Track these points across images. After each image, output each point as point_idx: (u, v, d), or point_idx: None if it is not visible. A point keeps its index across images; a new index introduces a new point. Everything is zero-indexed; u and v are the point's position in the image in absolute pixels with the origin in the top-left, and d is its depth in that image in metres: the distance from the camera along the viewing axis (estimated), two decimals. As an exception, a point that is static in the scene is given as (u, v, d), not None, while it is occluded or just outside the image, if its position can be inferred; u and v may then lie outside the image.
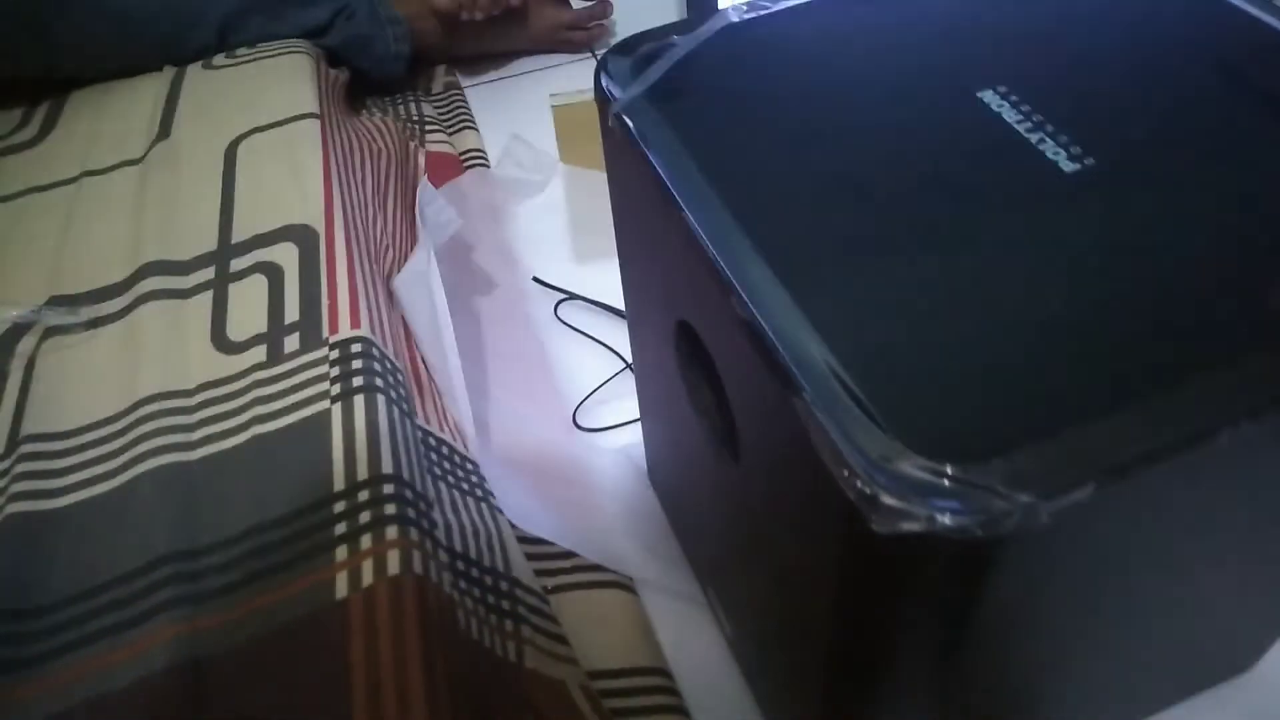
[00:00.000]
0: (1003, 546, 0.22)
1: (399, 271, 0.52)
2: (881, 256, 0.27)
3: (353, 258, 0.47)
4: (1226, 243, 0.26)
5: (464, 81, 0.90)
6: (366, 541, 0.34)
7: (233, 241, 0.48)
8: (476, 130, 0.82)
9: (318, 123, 0.57)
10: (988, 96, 0.31)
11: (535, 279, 0.66)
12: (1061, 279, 0.25)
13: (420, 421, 0.46)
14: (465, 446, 0.49)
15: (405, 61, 0.83)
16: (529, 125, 0.79)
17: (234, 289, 0.46)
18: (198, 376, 0.42)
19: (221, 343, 0.43)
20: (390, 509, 0.35)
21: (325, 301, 0.44)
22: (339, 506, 0.36)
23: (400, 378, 0.44)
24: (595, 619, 0.48)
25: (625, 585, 0.49)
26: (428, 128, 0.82)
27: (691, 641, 0.48)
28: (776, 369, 0.25)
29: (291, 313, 0.44)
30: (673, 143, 0.31)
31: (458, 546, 0.41)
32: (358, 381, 0.40)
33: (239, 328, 0.44)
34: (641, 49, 0.35)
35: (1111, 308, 0.24)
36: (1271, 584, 0.36)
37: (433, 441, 0.45)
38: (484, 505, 0.46)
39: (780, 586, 0.34)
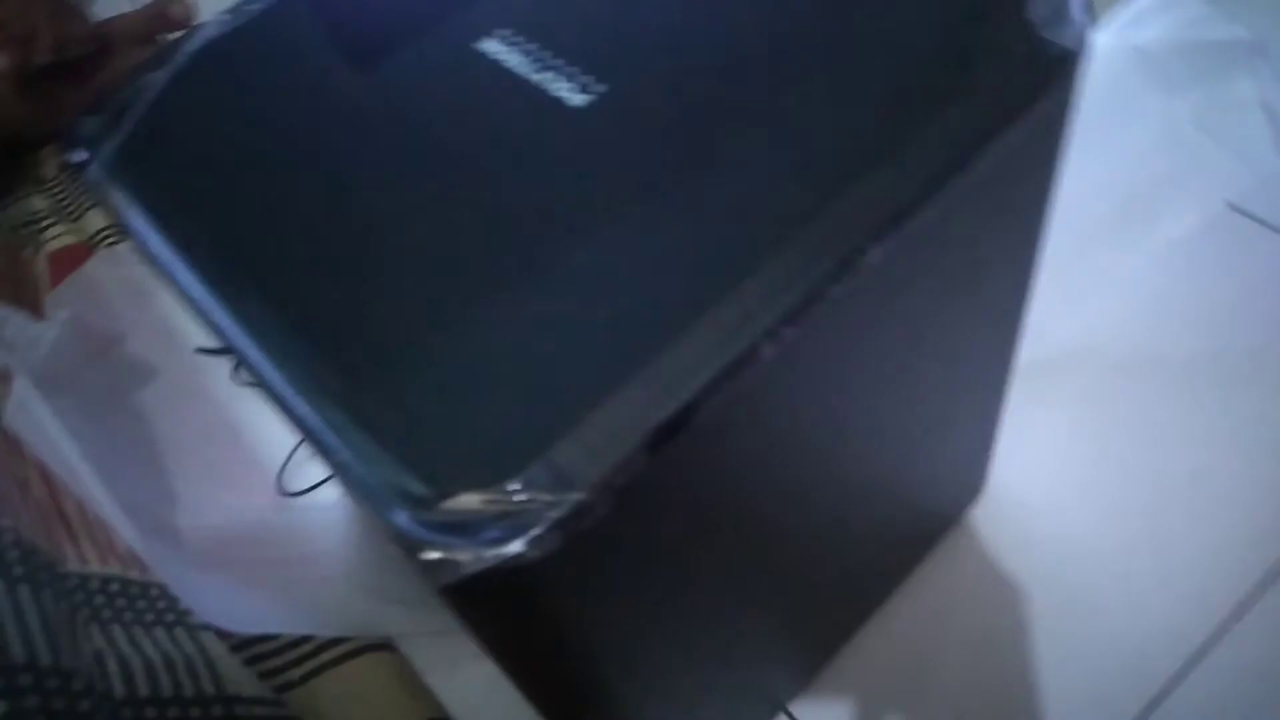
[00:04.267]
0: (580, 545, 0.20)
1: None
2: (387, 278, 0.23)
3: (-82, 420, 0.40)
4: (738, 151, 0.24)
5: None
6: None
7: None
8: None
9: None
10: (490, 45, 0.28)
11: (198, 349, 0.59)
12: (571, 236, 0.23)
13: (75, 566, 0.40)
14: (145, 574, 0.43)
15: None
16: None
17: None
18: None
19: None
20: (1, 707, 0.30)
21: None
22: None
23: (8, 539, 0.37)
24: (356, 692, 0.44)
25: (381, 645, 0.45)
26: (44, 223, 0.72)
27: (463, 674, 0.45)
28: (307, 433, 0.22)
29: None
30: (152, 205, 0.27)
31: (142, 692, 0.36)
32: (-60, 569, 0.34)
33: None
34: (116, 99, 0.30)
35: (626, 252, 0.22)
36: (942, 418, 0.36)
37: (95, 584, 0.40)
38: (177, 630, 0.41)
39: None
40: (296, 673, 0.44)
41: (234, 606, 0.44)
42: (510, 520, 0.19)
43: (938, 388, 0.33)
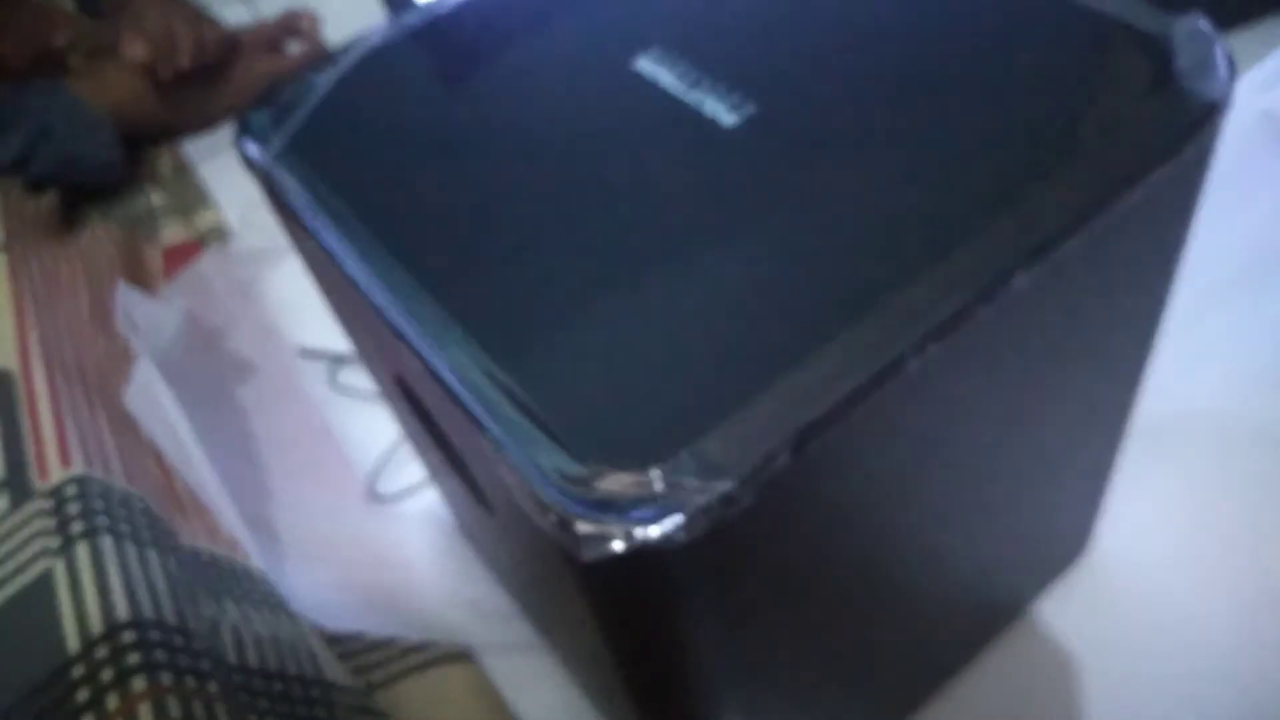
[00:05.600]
0: (721, 534, 0.20)
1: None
2: (549, 274, 0.24)
3: (57, 392, 0.42)
4: (892, 173, 0.25)
5: (193, 156, 0.84)
6: (113, 702, 0.31)
7: (-82, 407, 0.43)
8: (214, 206, 0.77)
9: (3, 254, 0.52)
10: (643, 64, 0.30)
11: (300, 350, 0.62)
12: (725, 244, 0.24)
13: (189, 540, 0.42)
14: (247, 559, 0.45)
15: (119, 167, 0.77)
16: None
17: (-73, 462, 0.41)
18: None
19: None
20: (134, 659, 0.32)
21: (31, 448, 0.39)
22: (77, 672, 0.32)
23: (137, 505, 0.39)
24: (435, 700, 0.45)
25: (461, 656, 0.46)
26: (160, 218, 0.76)
27: (541, 692, 0.45)
28: (462, 411, 0.23)
29: (-4, 471, 0.39)
30: (322, 195, 0.28)
31: (252, 662, 0.37)
32: (78, 527, 0.36)
33: (-61, 504, 0.39)
34: (283, 95, 0.32)
35: (779, 260, 0.23)
36: (1056, 464, 0.36)
37: (205, 558, 0.41)
38: (280, 613, 0.42)
39: (570, 624, 0.32)
40: (379, 674, 0.45)
41: (324, 601, 0.46)
42: (658, 503, 0.20)
43: (1055, 433, 0.33)
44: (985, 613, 0.42)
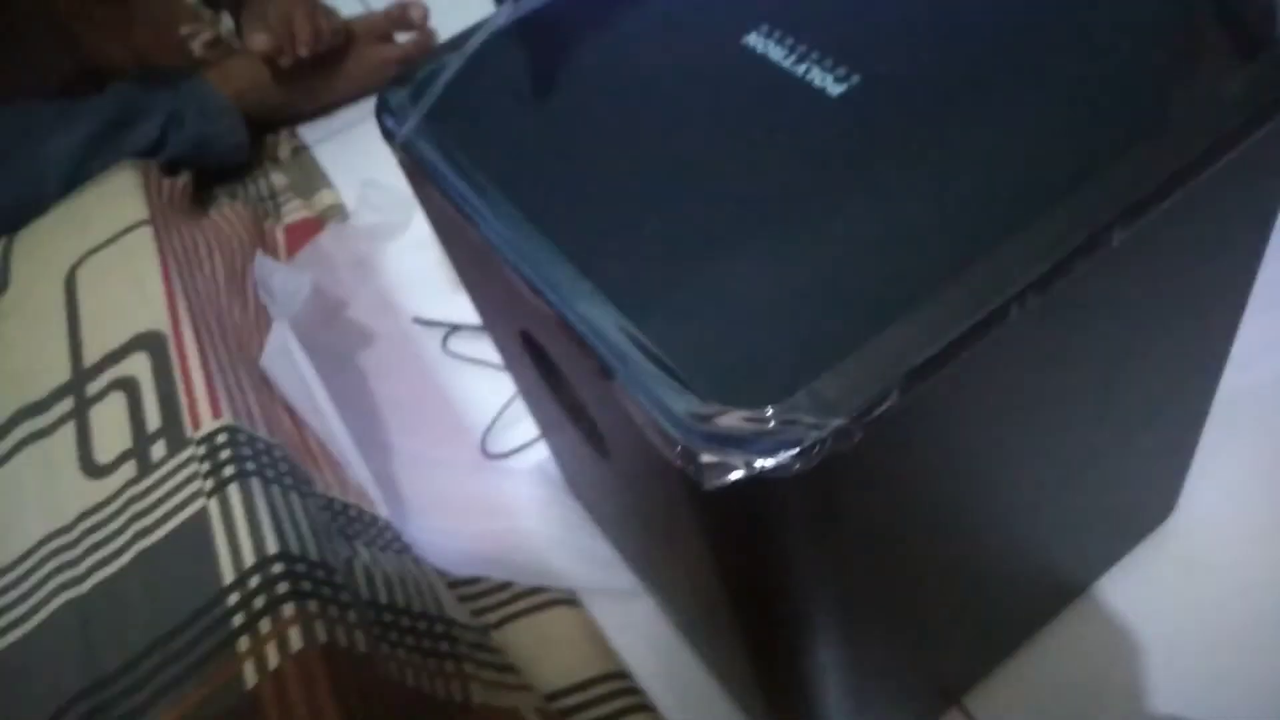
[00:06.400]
0: (833, 470, 0.22)
1: (265, 352, 0.52)
2: (669, 230, 0.27)
3: (205, 350, 0.46)
4: (996, 134, 0.26)
5: (310, 140, 0.88)
6: (266, 625, 0.34)
7: (85, 366, 0.48)
8: (331, 187, 0.81)
9: (151, 229, 0.57)
10: (753, 39, 0.31)
11: (415, 319, 0.65)
12: (836, 202, 0.26)
13: (320, 489, 0.46)
14: (374, 508, 0.48)
15: (245, 148, 0.82)
16: (382, 167, 0.78)
17: (94, 412, 0.45)
18: (74, 509, 0.41)
19: (91, 469, 0.42)
20: (283, 586, 0.35)
21: (184, 400, 0.44)
22: (233, 598, 0.35)
23: (279, 454, 0.43)
24: (545, 641, 0.48)
25: (569, 600, 0.49)
26: (282, 198, 0.81)
27: (644, 637, 0.48)
28: (592, 358, 0.25)
29: (153, 420, 0.44)
30: (458, 164, 0.31)
31: (382, 599, 0.40)
32: (229, 471, 0.40)
33: (105, 449, 0.43)
34: (418, 75, 0.35)
35: (888, 215, 0.25)
36: (1142, 428, 0.36)
37: (338, 506, 0.45)
38: (405, 557, 0.46)
39: (680, 563, 0.34)
40: (494, 616, 0.48)
41: (442, 549, 0.49)
42: (775, 437, 0.22)
43: (1145, 393, 0.34)
44: (1068, 572, 0.43)
